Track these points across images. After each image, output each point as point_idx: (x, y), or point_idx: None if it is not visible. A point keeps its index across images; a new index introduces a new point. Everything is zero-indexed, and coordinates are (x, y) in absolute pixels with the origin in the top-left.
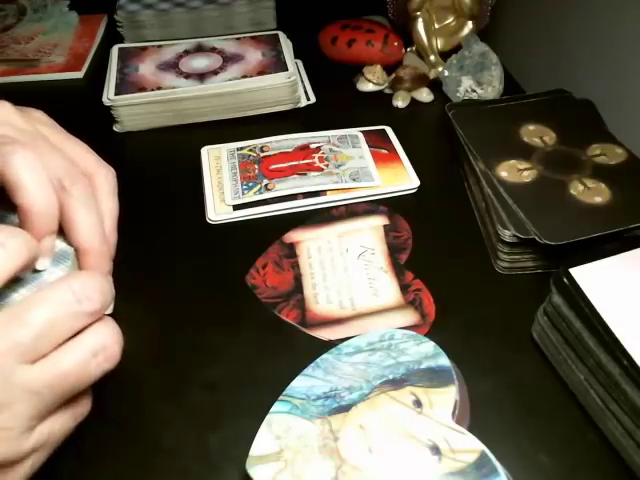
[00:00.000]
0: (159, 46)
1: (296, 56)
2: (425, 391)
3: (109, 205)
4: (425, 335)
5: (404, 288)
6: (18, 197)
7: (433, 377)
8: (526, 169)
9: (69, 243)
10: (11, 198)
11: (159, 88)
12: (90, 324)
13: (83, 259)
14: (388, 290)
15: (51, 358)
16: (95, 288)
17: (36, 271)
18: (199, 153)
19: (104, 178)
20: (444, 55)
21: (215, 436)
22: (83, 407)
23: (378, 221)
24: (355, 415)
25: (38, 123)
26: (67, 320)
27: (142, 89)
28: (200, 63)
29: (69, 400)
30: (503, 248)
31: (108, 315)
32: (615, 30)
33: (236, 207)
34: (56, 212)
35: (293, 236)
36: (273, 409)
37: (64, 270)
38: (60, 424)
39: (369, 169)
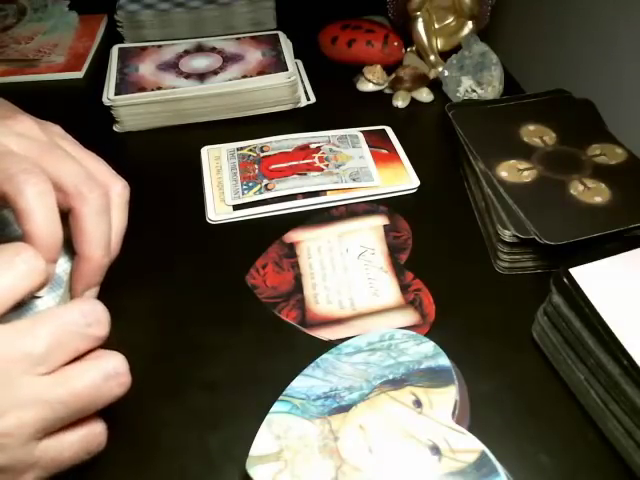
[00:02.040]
0: (159, 46)
1: (296, 56)
2: (425, 391)
3: (120, 218)
4: (425, 335)
5: (404, 288)
6: (25, 224)
7: (433, 377)
8: (526, 169)
9: (64, 269)
10: (18, 222)
11: (159, 88)
12: (100, 349)
13: (81, 265)
14: (388, 290)
15: (64, 374)
16: (105, 314)
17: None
18: (199, 153)
19: (118, 192)
20: (444, 55)
21: (215, 436)
22: (97, 438)
23: (378, 221)
24: (355, 415)
25: (56, 136)
26: (74, 340)
27: (142, 89)
28: (200, 63)
29: (82, 426)
30: (503, 248)
31: None
32: (615, 30)
33: (236, 207)
34: (59, 243)
35: (293, 236)
36: (273, 409)
37: (55, 299)
38: (68, 446)
39: (369, 169)
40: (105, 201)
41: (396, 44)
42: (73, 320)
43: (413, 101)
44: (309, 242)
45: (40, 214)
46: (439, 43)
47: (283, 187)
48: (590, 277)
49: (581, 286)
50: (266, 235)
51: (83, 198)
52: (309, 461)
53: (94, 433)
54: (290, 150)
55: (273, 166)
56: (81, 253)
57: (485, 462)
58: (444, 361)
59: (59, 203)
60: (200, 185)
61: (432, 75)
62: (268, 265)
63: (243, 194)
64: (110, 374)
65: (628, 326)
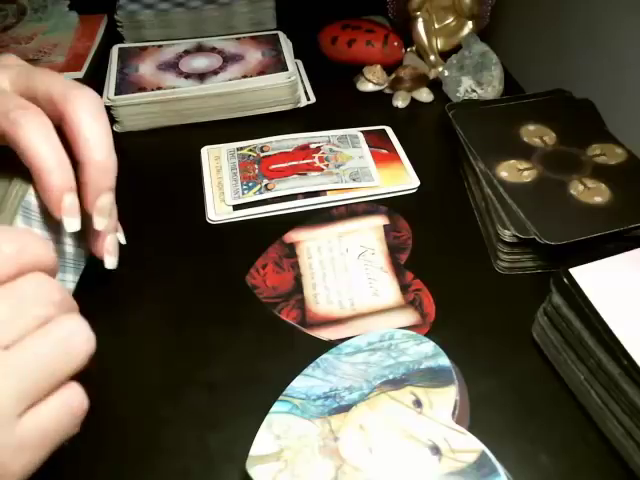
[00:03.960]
0: (159, 46)
1: (296, 56)
2: (425, 391)
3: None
4: (425, 335)
5: (404, 288)
6: (32, 159)
7: (433, 377)
8: (526, 169)
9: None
10: (24, 160)
11: (159, 88)
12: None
13: (85, 172)
14: (388, 290)
15: (24, 342)
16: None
17: None
18: (199, 153)
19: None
20: (444, 55)
21: (215, 436)
22: (76, 397)
23: (378, 221)
24: (355, 415)
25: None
26: (32, 307)
27: (142, 89)
28: (200, 63)
29: (56, 392)
30: (503, 248)
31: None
32: (615, 30)
33: (236, 207)
34: (70, 170)
35: (293, 236)
36: (273, 409)
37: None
38: (48, 413)
39: (369, 169)
40: (98, 102)
41: (396, 44)
42: (29, 287)
43: (413, 101)
44: (309, 242)
45: (44, 146)
46: (439, 43)
47: (283, 187)
48: (590, 277)
49: (581, 286)
50: (266, 235)
51: (75, 100)
52: (309, 461)
53: (71, 393)
54: (290, 150)
55: (273, 166)
56: (81, 159)
57: (485, 462)
58: (444, 361)
59: (52, 117)
60: (200, 185)
61: (432, 75)
62: (268, 265)
63: (243, 194)
64: (73, 330)
65: (628, 326)
